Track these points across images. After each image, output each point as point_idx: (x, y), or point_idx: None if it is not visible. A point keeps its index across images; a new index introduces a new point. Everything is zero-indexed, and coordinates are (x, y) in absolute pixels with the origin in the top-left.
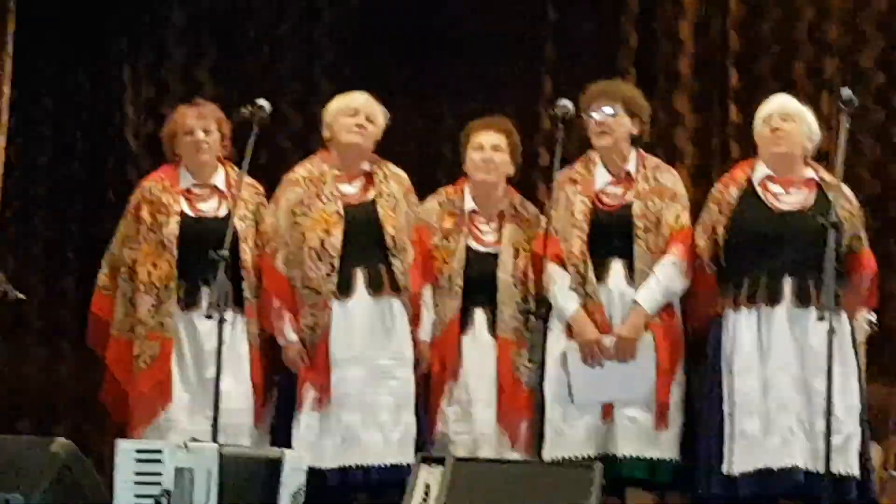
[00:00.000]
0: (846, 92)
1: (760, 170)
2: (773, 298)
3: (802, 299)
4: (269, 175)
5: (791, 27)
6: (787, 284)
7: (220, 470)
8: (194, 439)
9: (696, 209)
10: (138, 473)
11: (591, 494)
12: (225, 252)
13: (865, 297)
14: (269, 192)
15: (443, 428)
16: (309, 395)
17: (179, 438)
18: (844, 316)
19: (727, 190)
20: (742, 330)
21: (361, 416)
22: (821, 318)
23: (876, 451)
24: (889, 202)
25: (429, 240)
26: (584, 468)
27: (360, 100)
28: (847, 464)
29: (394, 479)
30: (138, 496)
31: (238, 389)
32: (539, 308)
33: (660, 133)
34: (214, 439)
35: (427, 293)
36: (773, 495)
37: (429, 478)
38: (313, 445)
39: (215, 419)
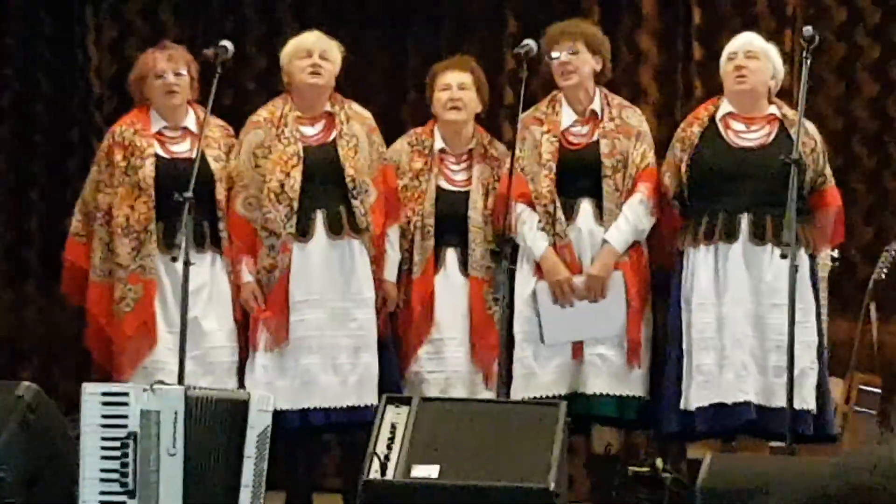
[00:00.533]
0: (808, 30)
1: (724, 107)
2: (730, 234)
3: (759, 236)
4: (234, 116)
5: None
6: (744, 221)
7: (187, 412)
8: (162, 382)
9: (660, 147)
10: (104, 416)
11: (555, 432)
12: (189, 194)
13: (830, 234)
14: (235, 133)
15: (415, 367)
16: (263, 336)
17: (167, 380)
18: (803, 252)
19: (690, 128)
20: (699, 266)
21: (320, 359)
22: (783, 256)
23: (837, 386)
24: (851, 138)
25: (394, 180)
26: (548, 406)
27: (311, 39)
28: (802, 399)
29: (355, 421)
30: (104, 439)
31: (222, 328)
32: (501, 247)
33: (623, 71)
34: (181, 381)
35: (392, 233)
36: (728, 430)
37: (395, 418)
38: (269, 386)
39: (182, 360)
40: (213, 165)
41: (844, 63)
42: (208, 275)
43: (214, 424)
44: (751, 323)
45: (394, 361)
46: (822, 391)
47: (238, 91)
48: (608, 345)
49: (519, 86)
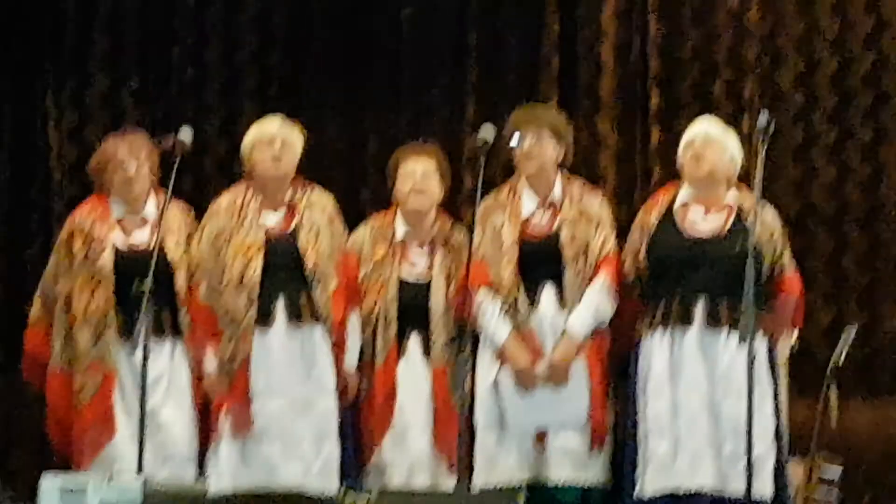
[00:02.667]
0: (763, 117)
1: (682, 194)
2: (685, 320)
3: (713, 321)
4: (194, 201)
5: (710, 49)
6: (699, 307)
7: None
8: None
9: (619, 231)
10: None
11: None
12: (147, 282)
13: (789, 320)
14: (196, 218)
15: (377, 455)
16: (226, 424)
17: (125, 470)
18: (759, 337)
19: (648, 215)
20: (655, 352)
21: (282, 447)
22: (742, 340)
23: (797, 468)
24: (809, 221)
25: (356, 267)
26: (507, 496)
27: (272, 128)
28: (757, 487)
29: None
30: None
31: (181, 418)
32: (461, 337)
33: (582, 155)
34: (140, 471)
35: (353, 320)
36: None
37: None
38: (232, 475)
39: (141, 450)
40: (173, 253)
41: (802, 147)
42: (167, 364)
43: None
44: (706, 409)
45: (350, 450)
46: (778, 477)
47: (198, 176)
48: (571, 432)
49: (478, 171)
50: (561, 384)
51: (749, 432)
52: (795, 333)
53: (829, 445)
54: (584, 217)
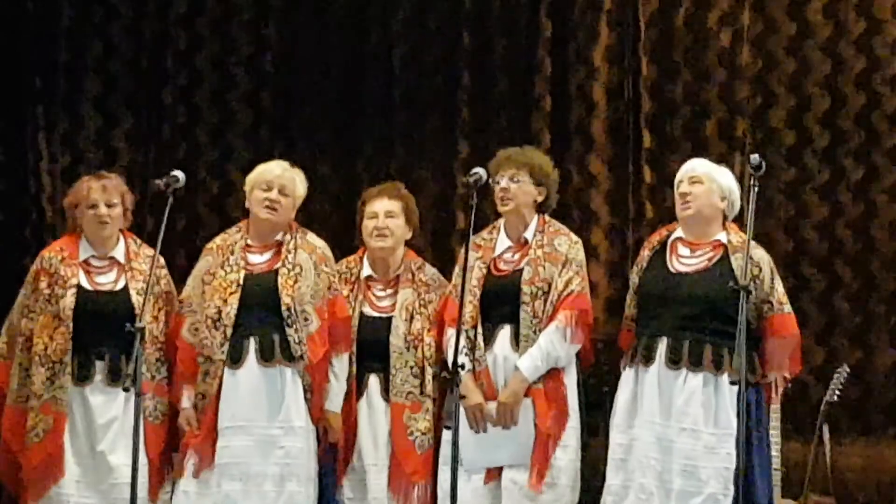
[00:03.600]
0: (755, 158)
1: (676, 232)
2: (648, 358)
3: (674, 360)
4: (186, 242)
5: (702, 88)
6: (662, 344)
7: None
8: None
9: (610, 269)
10: None
11: None
12: (140, 324)
13: (782, 363)
14: (189, 258)
15: (339, 495)
16: (190, 461)
17: None
18: (726, 378)
19: (643, 253)
20: (621, 388)
21: (243, 485)
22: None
23: None
24: (801, 260)
25: (344, 310)
26: None
27: (275, 171)
28: None
29: None
30: None
31: (130, 463)
32: (454, 375)
33: (575, 195)
34: None
35: (337, 363)
36: None
37: None
38: None
39: (133, 489)
40: (135, 299)
41: (793, 186)
42: (121, 409)
43: None
44: (658, 446)
45: (330, 490)
46: None
47: (190, 216)
48: (522, 469)
49: (470, 209)
50: (508, 423)
51: (737, 471)
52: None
53: (823, 485)
54: (552, 257)
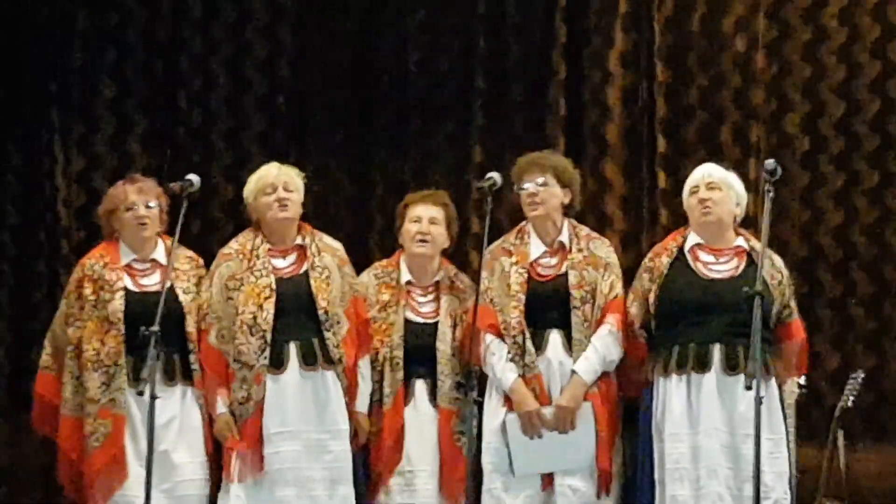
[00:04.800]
0: (770, 163)
1: (692, 238)
2: (703, 365)
3: (731, 366)
4: (202, 246)
5: (717, 93)
6: (716, 351)
7: None
8: None
9: (626, 276)
10: None
11: None
12: (155, 328)
13: (794, 366)
14: (204, 262)
15: (385, 498)
16: (237, 467)
17: None
18: (773, 383)
19: (659, 258)
20: (672, 396)
21: (296, 491)
22: (748, 388)
23: None
24: (816, 265)
25: (365, 311)
26: None
27: (273, 173)
28: None
29: None
30: None
31: (193, 461)
32: (468, 380)
33: (589, 200)
34: None
35: (363, 364)
36: None
37: None
38: None
39: (147, 493)
40: (182, 298)
41: (808, 191)
42: (178, 407)
43: None
44: (726, 454)
45: (362, 493)
46: None
47: (205, 221)
48: (579, 476)
49: (485, 214)
50: (567, 429)
51: (756, 475)
52: (802, 379)
53: (837, 491)
54: (592, 261)
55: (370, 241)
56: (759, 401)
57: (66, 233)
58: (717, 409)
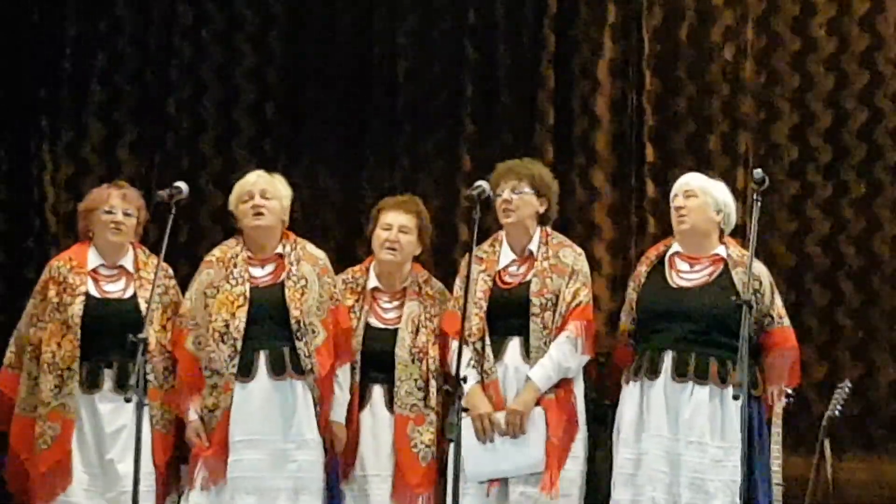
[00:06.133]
0: (758, 173)
1: (674, 247)
2: (653, 371)
3: (679, 374)
4: (189, 253)
5: (705, 102)
6: (668, 358)
7: None
8: None
9: (613, 284)
10: None
11: None
12: (143, 335)
13: (783, 375)
14: (191, 269)
15: None
16: (200, 474)
17: None
18: (731, 391)
19: (641, 268)
20: (626, 403)
21: (257, 499)
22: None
23: None
24: (804, 275)
25: (347, 320)
26: None
27: (251, 180)
28: None
29: None
30: None
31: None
32: (456, 388)
33: (578, 208)
34: None
35: (342, 373)
36: None
37: None
38: None
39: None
40: (143, 307)
41: (796, 201)
42: (130, 417)
43: None
44: (667, 460)
45: (338, 500)
46: None
47: (193, 227)
48: (532, 483)
49: (473, 222)
50: (517, 433)
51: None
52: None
53: (824, 500)
54: (558, 269)
55: (358, 248)
56: (744, 411)
57: (55, 239)
58: (662, 415)
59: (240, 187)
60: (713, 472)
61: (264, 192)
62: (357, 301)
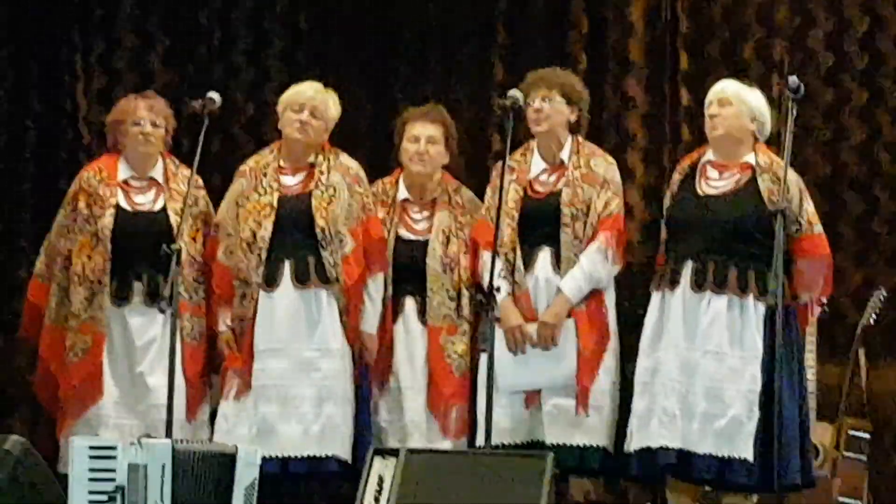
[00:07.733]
0: (793, 80)
1: (707, 154)
2: (674, 281)
3: (699, 283)
4: (222, 163)
5: (740, 10)
6: (687, 268)
7: (174, 466)
8: (148, 435)
9: (646, 192)
10: (92, 470)
11: (542, 484)
12: (176, 245)
13: (813, 283)
14: (223, 180)
15: (375, 417)
16: (231, 384)
17: (109, 433)
18: (751, 300)
19: (675, 175)
20: (649, 312)
21: (279, 408)
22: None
23: (826, 431)
24: (839, 184)
25: (379, 231)
26: (536, 458)
27: (307, 93)
28: (734, 447)
29: (313, 472)
30: (92, 492)
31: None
32: (488, 298)
33: (611, 117)
34: (168, 434)
35: (373, 283)
36: (655, 473)
37: (382, 470)
38: (228, 435)
39: (169, 415)
40: (173, 220)
41: (832, 109)
42: (159, 330)
43: (202, 478)
44: (683, 369)
45: (366, 411)
46: (768, 441)
47: (226, 138)
48: (563, 394)
49: (506, 132)
50: (549, 345)
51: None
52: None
53: (858, 408)
54: (589, 178)
55: (390, 160)
56: (771, 318)
57: (87, 151)
58: (679, 324)
59: (294, 94)
60: (730, 382)
61: (314, 111)
62: (387, 213)
